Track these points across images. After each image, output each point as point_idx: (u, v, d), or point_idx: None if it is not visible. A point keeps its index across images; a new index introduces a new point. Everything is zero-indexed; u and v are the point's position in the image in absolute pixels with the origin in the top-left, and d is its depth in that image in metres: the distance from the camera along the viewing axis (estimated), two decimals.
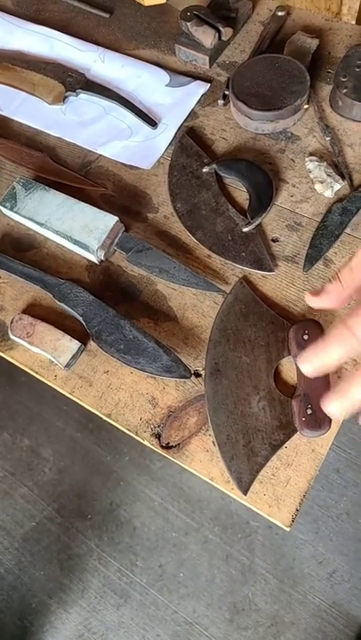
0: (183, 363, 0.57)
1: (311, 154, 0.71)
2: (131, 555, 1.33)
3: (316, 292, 0.39)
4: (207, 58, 0.79)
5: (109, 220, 0.65)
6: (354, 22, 0.83)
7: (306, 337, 0.57)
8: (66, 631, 1.27)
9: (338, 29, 0.81)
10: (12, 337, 0.62)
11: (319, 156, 0.70)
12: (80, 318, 0.61)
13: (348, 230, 0.65)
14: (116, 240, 0.65)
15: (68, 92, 0.78)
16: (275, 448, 0.54)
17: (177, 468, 1.39)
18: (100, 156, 0.75)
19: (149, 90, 0.79)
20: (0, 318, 0.65)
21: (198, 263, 0.66)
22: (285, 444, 0.55)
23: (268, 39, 0.79)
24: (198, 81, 0.78)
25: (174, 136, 0.75)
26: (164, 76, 0.79)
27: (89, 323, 0.60)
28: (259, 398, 0.56)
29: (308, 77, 0.71)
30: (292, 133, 0.73)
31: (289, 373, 0.58)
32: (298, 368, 0.57)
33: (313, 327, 0.58)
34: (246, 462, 0.54)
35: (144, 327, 0.61)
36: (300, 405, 0.55)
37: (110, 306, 0.61)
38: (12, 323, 0.62)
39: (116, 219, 0.65)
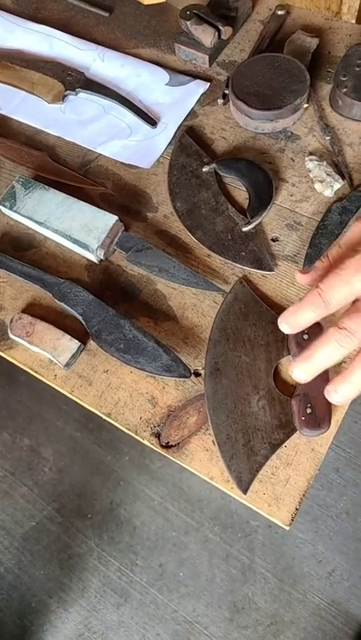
0: (183, 362, 0.57)
1: (311, 153, 0.71)
2: (131, 554, 1.33)
3: (306, 270, 0.44)
4: (207, 57, 0.78)
5: (109, 220, 0.65)
6: (354, 21, 0.83)
7: (306, 337, 0.57)
8: (66, 630, 1.27)
9: (338, 28, 0.81)
10: (11, 336, 0.62)
11: (319, 155, 0.70)
12: (80, 318, 0.61)
13: (347, 230, 0.65)
14: (116, 239, 0.65)
15: (68, 91, 0.78)
16: (274, 447, 0.54)
17: (177, 468, 1.39)
18: (100, 155, 0.75)
19: (149, 89, 0.79)
20: (0, 317, 0.65)
21: (198, 262, 0.66)
22: (285, 444, 0.55)
23: (268, 38, 0.79)
24: (198, 80, 0.78)
25: (174, 135, 0.75)
26: (163, 75, 0.79)
27: (89, 322, 0.60)
28: (258, 398, 0.56)
29: (308, 76, 0.71)
30: (291, 133, 0.73)
31: (289, 373, 0.58)
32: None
33: (313, 327, 0.57)
34: (246, 461, 0.54)
35: (144, 326, 0.61)
36: (299, 405, 0.55)
37: (110, 305, 0.61)
38: (11, 322, 0.62)
39: (116, 218, 0.65)
